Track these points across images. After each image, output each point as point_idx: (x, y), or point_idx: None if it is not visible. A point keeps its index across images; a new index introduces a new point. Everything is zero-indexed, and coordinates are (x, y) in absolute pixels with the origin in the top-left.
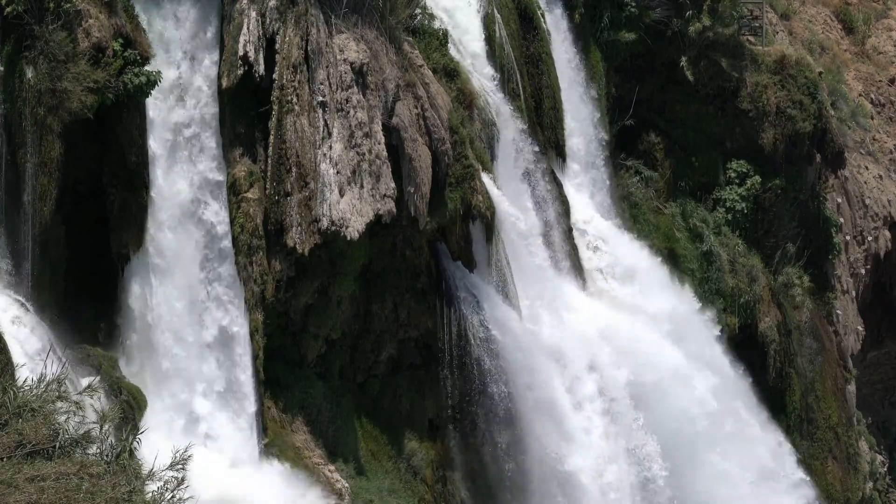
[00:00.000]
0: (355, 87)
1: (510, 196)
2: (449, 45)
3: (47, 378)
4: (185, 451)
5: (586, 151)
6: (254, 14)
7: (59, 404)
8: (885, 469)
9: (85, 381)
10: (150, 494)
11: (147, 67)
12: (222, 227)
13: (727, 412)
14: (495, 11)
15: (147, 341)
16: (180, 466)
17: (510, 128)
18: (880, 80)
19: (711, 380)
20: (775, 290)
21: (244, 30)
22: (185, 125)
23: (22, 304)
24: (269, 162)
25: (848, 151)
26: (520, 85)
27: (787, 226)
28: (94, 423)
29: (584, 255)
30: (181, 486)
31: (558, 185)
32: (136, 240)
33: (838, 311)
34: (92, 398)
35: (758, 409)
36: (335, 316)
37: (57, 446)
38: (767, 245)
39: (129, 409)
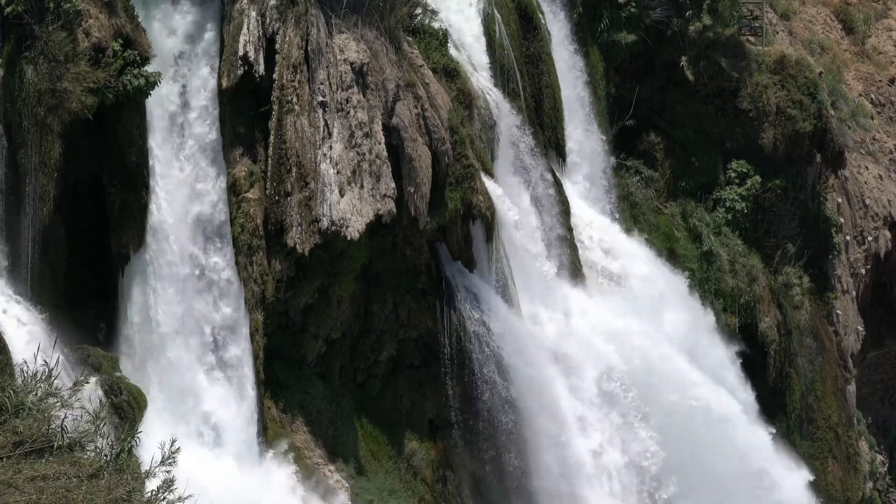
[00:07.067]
0: (355, 87)
1: (510, 196)
2: (449, 45)
3: (40, 376)
4: (174, 446)
5: (586, 151)
6: (254, 14)
7: (51, 400)
8: (885, 469)
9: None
10: (149, 494)
11: (147, 68)
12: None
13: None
14: (495, 11)
15: (147, 341)
16: (171, 461)
17: (510, 128)
18: (880, 80)
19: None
20: (775, 290)
21: (244, 30)
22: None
23: (22, 304)
24: (270, 162)
25: (848, 151)
26: (520, 85)
27: (787, 226)
28: (92, 422)
29: (584, 255)
30: (174, 487)
31: (558, 185)
32: (135, 240)
33: (838, 311)
34: (84, 392)
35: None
36: (335, 316)
37: (55, 446)
38: (767, 245)
39: (129, 408)
